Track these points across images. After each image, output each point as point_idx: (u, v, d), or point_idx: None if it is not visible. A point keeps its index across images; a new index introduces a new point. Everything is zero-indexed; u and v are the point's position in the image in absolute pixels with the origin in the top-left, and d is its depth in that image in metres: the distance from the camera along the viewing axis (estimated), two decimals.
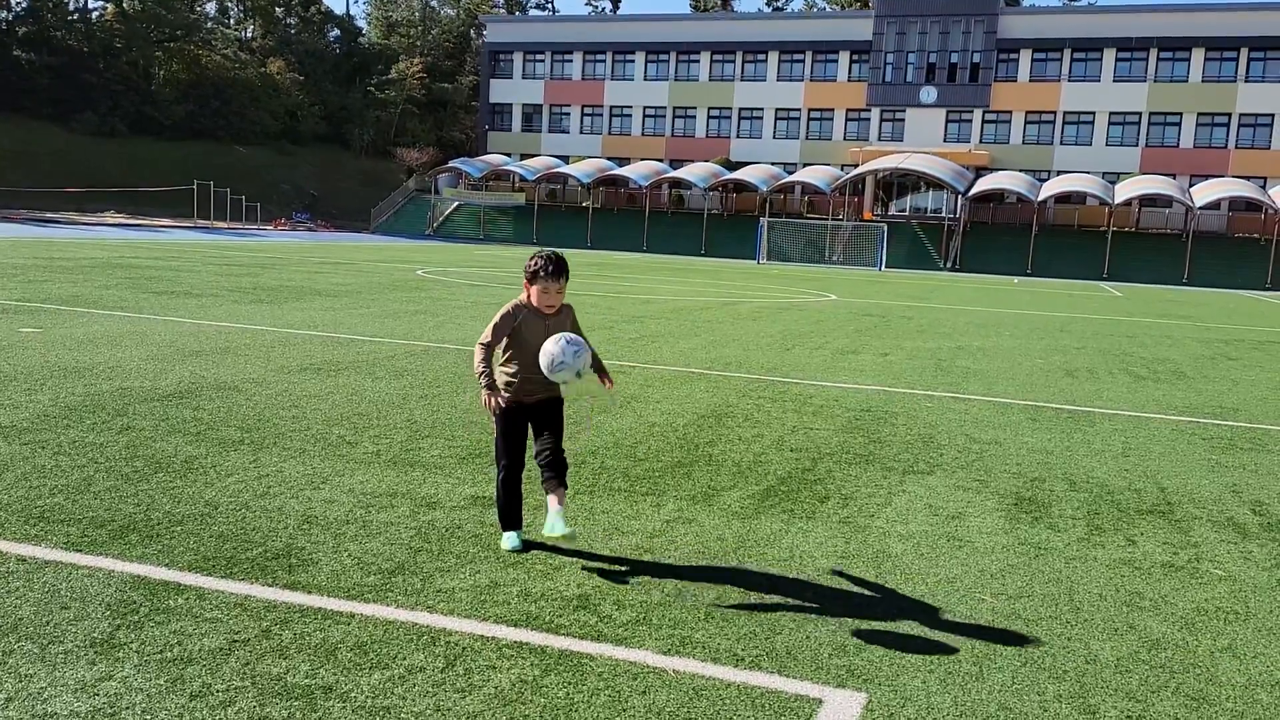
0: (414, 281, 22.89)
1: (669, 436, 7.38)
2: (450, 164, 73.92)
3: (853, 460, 6.94)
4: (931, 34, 65.73)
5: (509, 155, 74.82)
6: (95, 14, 79.62)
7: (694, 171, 65.90)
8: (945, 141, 66.17)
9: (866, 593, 4.41)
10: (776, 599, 4.26)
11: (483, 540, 4.81)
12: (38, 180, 61.59)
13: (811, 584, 4.47)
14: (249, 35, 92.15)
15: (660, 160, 71.44)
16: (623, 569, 4.52)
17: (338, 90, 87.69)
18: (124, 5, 77.75)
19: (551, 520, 4.46)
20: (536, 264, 4.57)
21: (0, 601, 3.72)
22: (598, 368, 4.74)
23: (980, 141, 66.03)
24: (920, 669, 3.65)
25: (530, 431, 4.75)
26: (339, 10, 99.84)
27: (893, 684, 3.52)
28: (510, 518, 4.78)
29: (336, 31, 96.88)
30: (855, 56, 68.14)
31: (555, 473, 4.59)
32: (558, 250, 4.73)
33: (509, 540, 4.73)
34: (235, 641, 3.52)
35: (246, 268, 24.25)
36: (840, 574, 4.62)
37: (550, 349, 4.46)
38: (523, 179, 69.99)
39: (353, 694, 3.20)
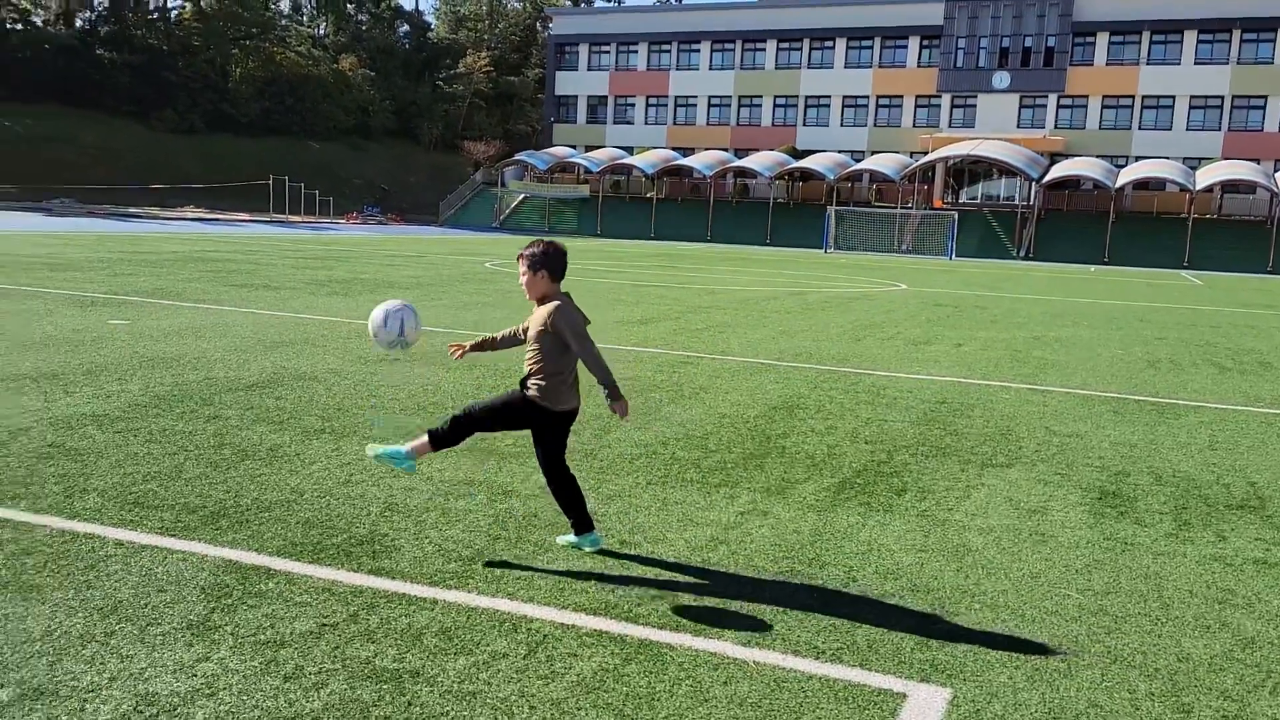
0: (483, 274, 23.12)
1: (739, 428, 7.36)
2: (516, 157, 74.45)
3: (929, 453, 6.85)
4: (1004, 17, 64.35)
5: (574, 147, 75.11)
6: (174, 13, 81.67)
7: (759, 160, 65.46)
8: (1018, 127, 64.77)
9: (948, 587, 4.35)
10: (856, 592, 4.23)
11: (559, 528, 4.84)
12: (120, 177, 63.42)
13: (891, 577, 4.43)
14: (322, 32, 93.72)
15: (725, 150, 71.08)
16: (698, 560, 4.52)
17: (407, 85, 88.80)
18: (202, 4, 79.61)
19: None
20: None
21: (101, 584, 3.86)
22: (609, 389, 4.38)
23: (1055, 127, 64.51)
24: (1006, 665, 3.60)
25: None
26: (408, 6, 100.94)
27: (978, 680, 3.47)
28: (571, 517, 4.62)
29: (406, 27, 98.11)
30: (925, 41, 66.99)
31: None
32: (552, 243, 4.53)
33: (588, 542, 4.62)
34: (325, 625, 3.60)
35: (321, 261, 24.72)
36: (920, 568, 4.57)
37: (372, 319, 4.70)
38: (587, 171, 70.22)
39: (439, 679, 3.25)
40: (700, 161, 66.94)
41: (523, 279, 4.47)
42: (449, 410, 4.40)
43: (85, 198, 57.50)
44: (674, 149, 71.95)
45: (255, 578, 4.02)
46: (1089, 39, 63.46)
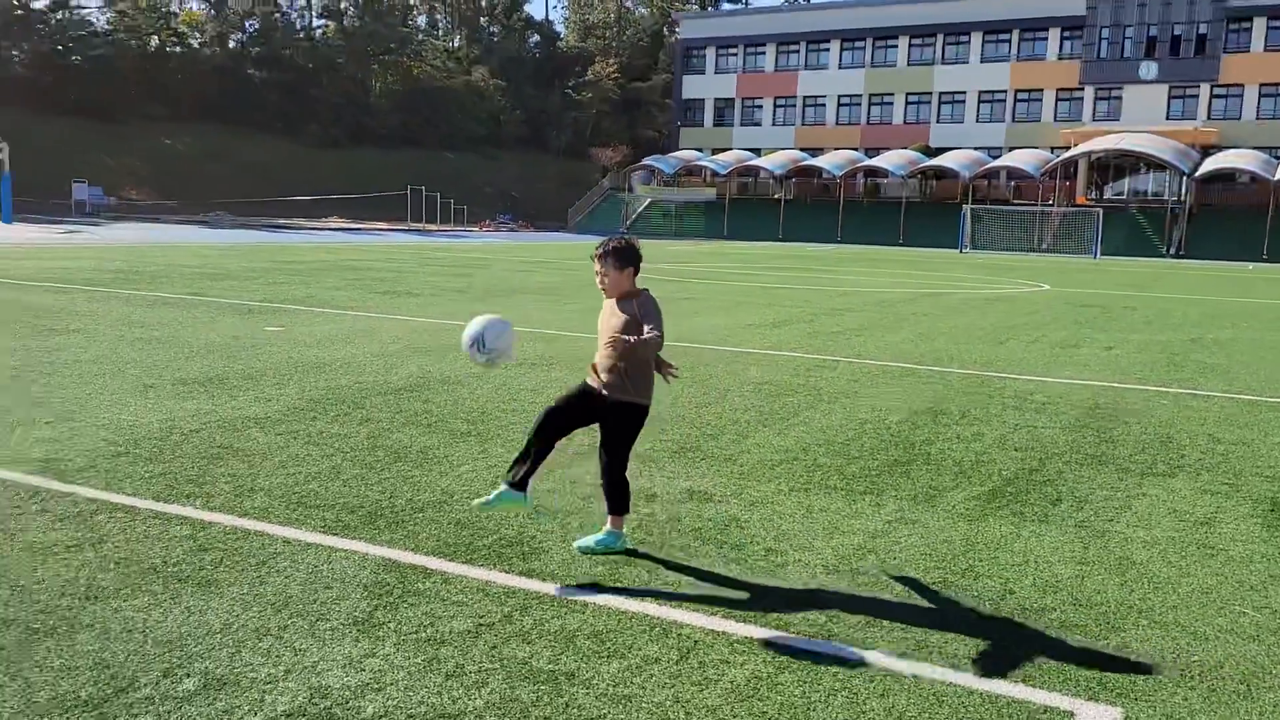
0: None
1: (882, 434, 7.22)
2: (643, 162, 75.02)
3: (1084, 461, 6.58)
4: (1152, 5, 61.41)
5: (701, 150, 75.17)
6: (319, 32, 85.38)
7: (891, 159, 64.21)
8: (1167, 119, 61.68)
9: (1112, 602, 4.17)
10: (1014, 605, 4.10)
11: (703, 534, 4.85)
12: (269, 190, 66.63)
13: (1050, 590, 4.27)
14: (456, 45, 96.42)
15: (855, 149, 69.98)
16: (847, 569, 4.46)
17: (537, 94, 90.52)
18: (344, 23, 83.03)
19: (595, 537, 4.52)
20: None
21: (272, 580, 4.05)
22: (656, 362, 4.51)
23: (1208, 118, 61.18)
24: (1180, 685, 3.42)
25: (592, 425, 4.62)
26: (538, 16, 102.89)
27: (1150, 699, 3.31)
28: (515, 467, 4.50)
29: (536, 37, 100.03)
30: (1067, 33, 64.48)
31: (606, 495, 4.54)
32: (626, 238, 4.59)
33: (486, 497, 4.52)
34: (481, 625, 3.70)
35: (459, 268, 25.42)
36: (1081, 581, 4.39)
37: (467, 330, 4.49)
38: (714, 174, 70.19)
39: (594, 681, 3.30)
40: (830, 161, 66.10)
41: (606, 276, 4.45)
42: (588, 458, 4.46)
43: (238, 211, 60.62)
44: (802, 150, 71.25)
45: (413, 577, 4.15)
46: (1245, 24, 59.96)
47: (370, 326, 12.33)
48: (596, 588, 4.11)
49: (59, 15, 69.71)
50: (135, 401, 7.35)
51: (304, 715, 3.01)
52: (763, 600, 4.06)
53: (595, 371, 4.54)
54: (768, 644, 3.64)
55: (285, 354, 9.87)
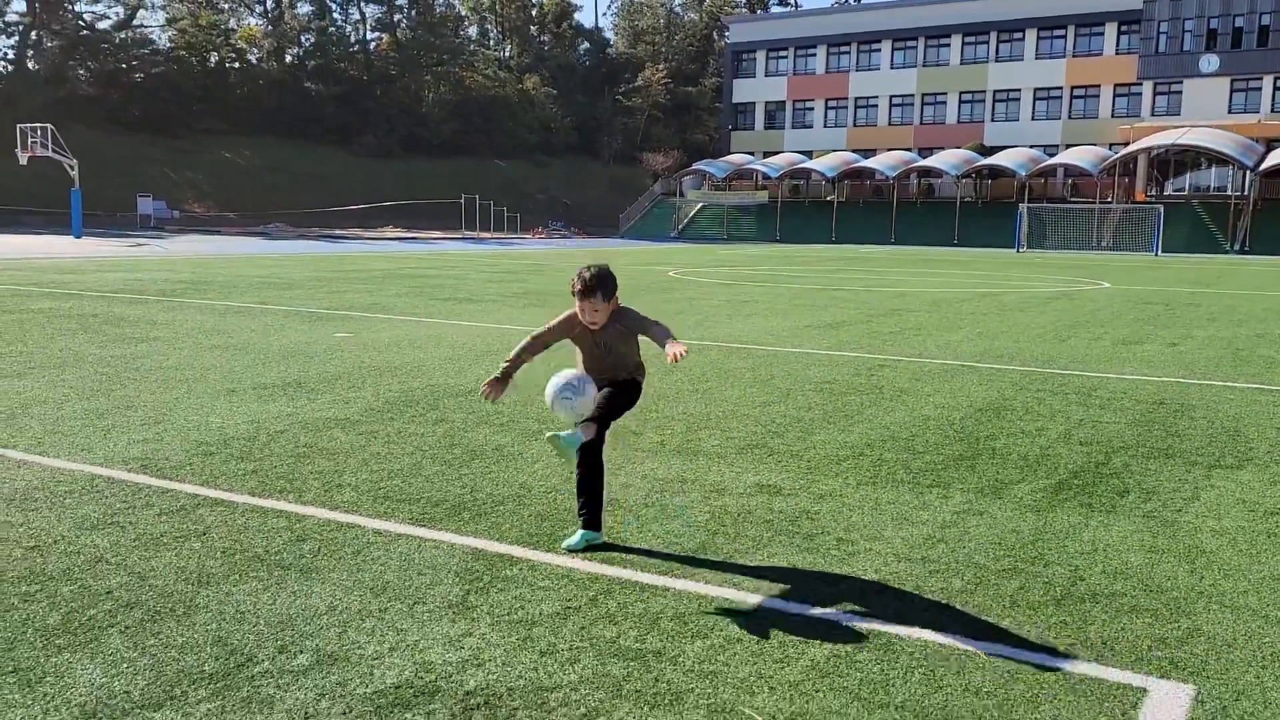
0: (667, 283, 23.53)
1: (946, 430, 7.30)
2: (694, 166, 75.17)
3: (1150, 454, 6.61)
4: None
5: (752, 154, 75.14)
6: (373, 44, 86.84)
7: (944, 159, 63.67)
8: (1229, 113, 60.43)
9: (1182, 588, 4.24)
10: (1084, 590, 4.19)
11: (774, 525, 4.99)
12: (326, 200, 67.95)
13: (1120, 577, 4.35)
14: (507, 54, 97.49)
15: (908, 150, 69.50)
16: (918, 558, 4.57)
17: (587, 101, 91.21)
18: (398, 35, 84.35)
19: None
20: (572, 284, 4.47)
21: (369, 567, 4.28)
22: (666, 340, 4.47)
23: (1272, 111, 59.79)
24: (1252, 663, 3.50)
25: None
26: (588, 24, 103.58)
27: (1222, 677, 3.40)
28: (580, 510, 4.64)
29: (586, 45, 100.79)
30: (1124, 27, 63.52)
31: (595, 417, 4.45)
32: (600, 265, 4.53)
33: (570, 539, 4.61)
34: (569, 608, 3.88)
35: (515, 274, 25.78)
36: (1151, 568, 4.47)
37: (547, 390, 4.47)
38: (766, 177, 70.09)
39: (681, 659, 3.46)
40: (882, 163, 65.72)
41: (597, 311, 4.46)
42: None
43: (296, 221, 61.87)
44: (854, 151, 70.92)
45: (500, 564, 4.36)
46: None
47: (435, 332, 12.64)
48: (675, 576, 4.27)
49: (122, 35, 71.76)
50: (220, 405, 7.67)
51: (411, 688, 3.21)
52: (837, 586, 4.19)
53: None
54: (844, 626, 3.78)
55: (357, 359, 10.18)
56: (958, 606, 3.99)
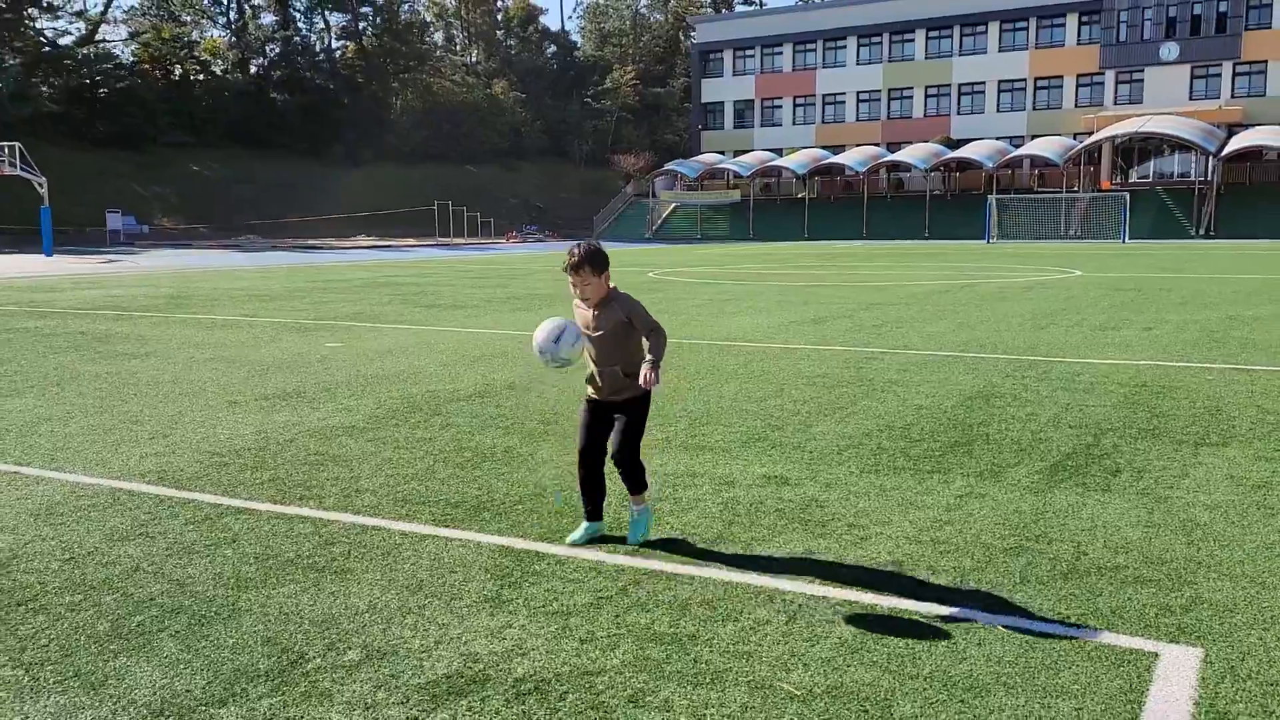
0: (648, 283, 23.69)
1: (939, 418, 7.50)
2: (666, 167, 75.42)
3: (1138, 435, 6.84)
4: None
5: (722, 153, 75.49)
6: (338, 53, 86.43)
7: (913, 153, 64.25)
8: (1191, 100, 61.44)
9: (1180, 559, 4.44)
10: (1088, 564, 4.38)
11: (786, 514, 5.16)
12: (297, 210, 67.60)
13: (1121, 551, 4.55)
14: (474, 60, 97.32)
15: (876, 145, 70.09)
16: (927, 540, 4.75)
17: (556, 104, 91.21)
18: (364, 42, 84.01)
19: (636, 524, 4.63)
20: (566, 257, 4.60)
21: (401, 567, 4.41)
22: (652, 361, 4.52)
23: (1231, 97, 60.86)
24: (1255, 626, 3.70)
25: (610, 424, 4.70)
26: (554, 27, 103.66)
27: (1228, 640, 3.59)
28: (586, 505, 4.76)
29: (553, 48, 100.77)
30: (1085, 18, 64.39)
31: (626, 479, 4.62)
32: (590, 242, 4.66)
33: (573, 533, 4.73)
34: (601, 598, 4.03)
35: (495, 279, 25.85)
36: (1149, 542, 4.67)
37: (535, 334, 4.58)
38: (737, 175, 70.48)
39: (714, 641, 3.62)
40: (852, 158, 66.23)
41: (587, 285, 4.54)
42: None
43: (267, 233, 61.52)
44: (823, 148, 71.41)
45: (528, 560, 4.49)
46: (1265, 1, 59.58)
47: (424, 339, 12.73)
48: (698, 564, 4.43)
49: (85, 50, 71.05)
50: (225, 416, 7.75)
51: (462, 677, 3.35)
52: (853, 569, 4.37)
53: (593, 384, 4.70)
54: (866, 605, 3.95)
55: (352, 368, 10.27)
56: (971, 583, 4.17)
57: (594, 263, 4.57)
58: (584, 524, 4.79)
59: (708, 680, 3.32)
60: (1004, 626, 3.73)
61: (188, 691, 3.25)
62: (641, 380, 4.50)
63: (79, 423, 7.55)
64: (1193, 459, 6.18)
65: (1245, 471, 5.87)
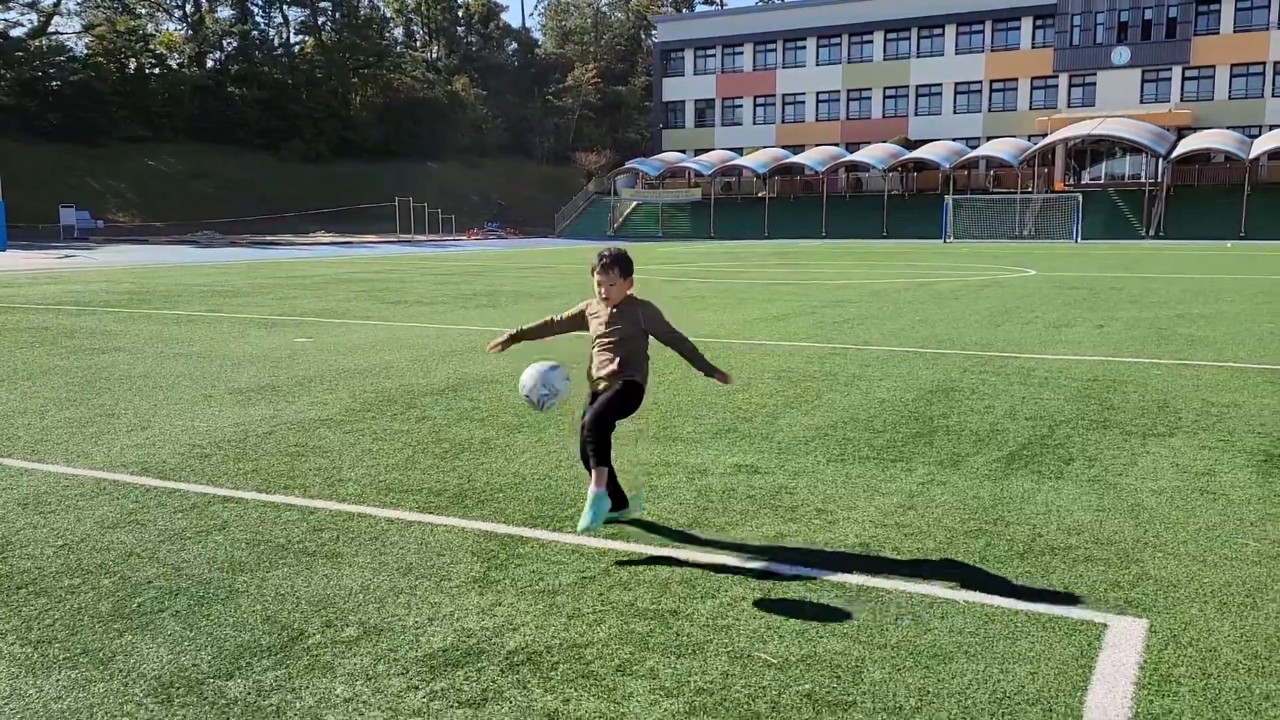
0: None
1: (900, 411, 7.77)
2: (627, 165, 75.65)
3: (1090, 426, 7.15)
4: None
5: (684, 152, 75.86)
6: (297, 48, 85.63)
7: (871, 153, 65.04)
8: (1141, 103, 62.79)
9: (1129, 540, 4.72)
10: (1042, 545, 4.65)
11: (757, 500, 5.38)
12: (254, 206, 66.96)
13: (1074, 533, 4.82)
14: (434, 56, 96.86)
15: (836, 145, 70.81)
16: (891, 523, 4.99)
17: (518, 102, 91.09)
18: (323, 37, 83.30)
19: (592, 508, 4.42)
20: (593, 265, 4.79)
21: (390, 551, 4.57)
22: (705, 367, 4.81)
23: (1181, 100, 62.28)
24: (1195, 600, 3.98)
25: None
26: (515, 24, 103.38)
27: (1171, 612, 3.87)
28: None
29: (515, 45, 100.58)
30: (1039, 22, 65.55)
31: (593, 452, 4.58)
32: (622, 247, 4.89)
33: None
34: (585, 578, 4.22)
35: (459, 276, 25.90)
36: (1100, 524, 4.95)
37: (523, 378, 4.85)
38: (698, 174, 70.87)
39: (695, 616, 3.83)
40: (811, 158, 66.87)
41: (609, 285, 4.74)
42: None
43: (225, 229, 60.85)
44: (784, 147, 72.04)
45: (512, 543, 4.68)
46: (1213, 6, 61.09)
47: (393, 335, 12.83)
48: (675, 546, 4.64)
49: (37, 42, 69.83)
50: (201, 410, 7.84)
51: (458, 650, 3.53)
52: (824, 550, 4.60)
53: (592, 378, 4.84)
54: (835, 582, 4.18)
55: (323, 362, 10.36)
56: (934, 562, 4.42)
57: (622, 266, 4.79)
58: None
59: (690, 651, 3.53)
60: (964, 601, 3.97)
61: (194, 666, 3.40)
62: (720, 381, 4.81)
63: (55, 415, 7.60)
64: (1141, 448, 6.49)
65: (1189, 460, 6.19)
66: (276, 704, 3.15)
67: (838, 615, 3.84)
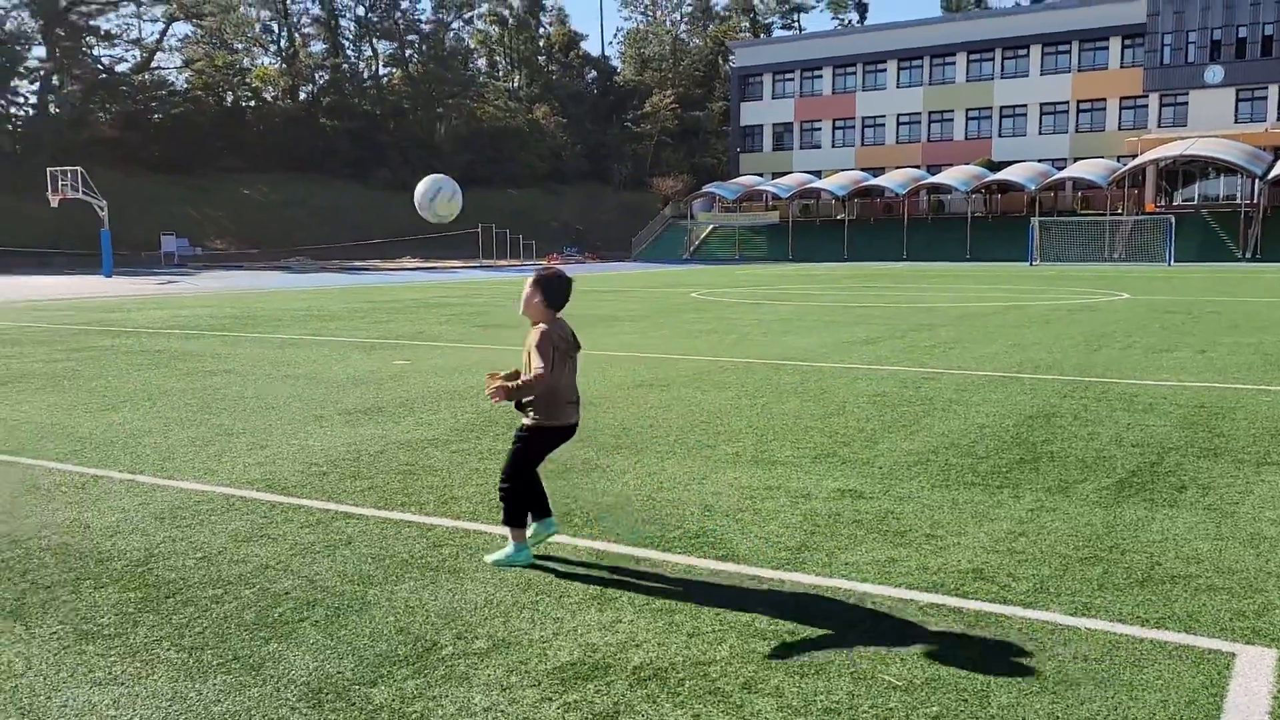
0: (693, 304, 23.97)
1: (1002, 436, 7.71)
2: (704, 189, 75.89)
3: (1200, 454, 7.01)
4: (1214, 9, 60.85)
5: (761, 175, 75.85)
6: (385, 79, 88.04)
7: (954, 175, 64.24)
8: (1236, 123, 60.92)
9: (1250, 569, 4.64)
10: (1162, 574, 4.59)
11: (864, 525, 5.40)
12: (344, 234, 68.79)
13: (1193, 562, 4.75)
14: (516, 85, 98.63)
15: (917, 167, 70.10)
16: (1004, 549, 4.98)
17: (597, 129, 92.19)
18: (410, 69, 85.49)
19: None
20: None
21: (509, 567, 4.71)
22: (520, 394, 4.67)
23: (1278, 119, 60.25)
24: None
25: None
26: (595, 53, 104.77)
27: None
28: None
29: (594, 73, 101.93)
30: (1128, 41, 64.21)
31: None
32: (553, 269, 4.84)
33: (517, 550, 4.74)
34: (700, 598, 4.30)
35: None
36: (1219, 553, 4.87)
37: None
38: (776, 197, 70.76)
39: (814, 638, 3.88)
40: (892, 180, 66.31)
41: (526, 301, 4.69)
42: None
43: (316, 255, 62.61)
44: (863, 170, 71.56)
45: (623, 562, 4.78)
46: None
47: (485, 357, 13.10)
48: (786, 570, 4.69)
49: (141, 76, 72.98)
50: (314, 430, 8.13)
51: (585, 664, 3.64)
52: (936, 574, 4.61)
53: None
54: (952, 608, 4.19)
55: (423, 384, 10.65)
56: (1052, 589, 4.40)
57: (536, 279, 4.73)
58: (532, 524, 4.83)
59: (813, 671, 3.59)
60: (1086, 628, 3.96)
61: (339, 674, 3.57)
62: (486, 385, 4.67)
63: (178, 435, 7.96)
64: (1256, 477, 6.35)
65: None
66: (420, 711, 3.29)
67: (959, 640, 3.85)
